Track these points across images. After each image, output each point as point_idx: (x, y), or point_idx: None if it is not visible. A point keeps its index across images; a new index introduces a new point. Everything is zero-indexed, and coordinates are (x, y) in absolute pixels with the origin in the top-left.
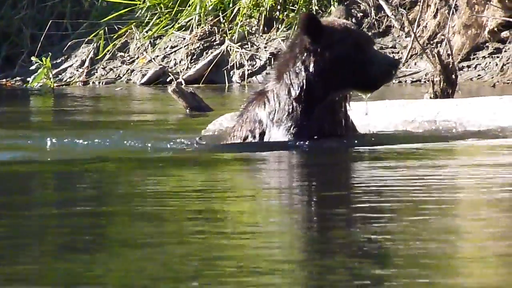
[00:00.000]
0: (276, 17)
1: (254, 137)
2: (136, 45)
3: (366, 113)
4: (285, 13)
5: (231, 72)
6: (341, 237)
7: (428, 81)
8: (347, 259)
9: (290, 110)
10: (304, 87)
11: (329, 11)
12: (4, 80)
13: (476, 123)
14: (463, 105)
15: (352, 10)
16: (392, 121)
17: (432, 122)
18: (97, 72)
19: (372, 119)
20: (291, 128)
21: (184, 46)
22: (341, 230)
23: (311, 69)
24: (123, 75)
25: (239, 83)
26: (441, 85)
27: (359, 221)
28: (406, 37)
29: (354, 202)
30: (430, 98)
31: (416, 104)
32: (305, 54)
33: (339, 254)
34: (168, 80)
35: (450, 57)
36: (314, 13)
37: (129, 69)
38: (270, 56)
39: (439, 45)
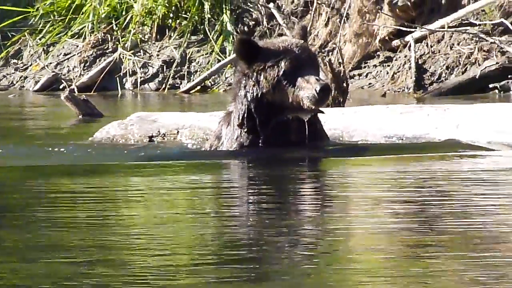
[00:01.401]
0: (169, 25)
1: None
2: (29, 52)
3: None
4: (178, 21)
5: (124, 80)
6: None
7: None
8: None
9: (236, 137)
10: (245, 114)
11: (221, 19)
12: None
13: (363, 132)
14: (349, 114)
15: (244, 19)
16: None
17: None
18: None
19: None
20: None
21: (77, 54)
22: None
23: (249, 95)
24: (17, 82)
25: (131, 90)
26: (332, 93)
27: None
28: None
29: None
30: None
31: None
32: (244, 78)
33: None
34: (61, 87)
35: (341, 65)
36: (206, 21)
37: (22, 76)
38: (163, 64)
39: (330, 53)
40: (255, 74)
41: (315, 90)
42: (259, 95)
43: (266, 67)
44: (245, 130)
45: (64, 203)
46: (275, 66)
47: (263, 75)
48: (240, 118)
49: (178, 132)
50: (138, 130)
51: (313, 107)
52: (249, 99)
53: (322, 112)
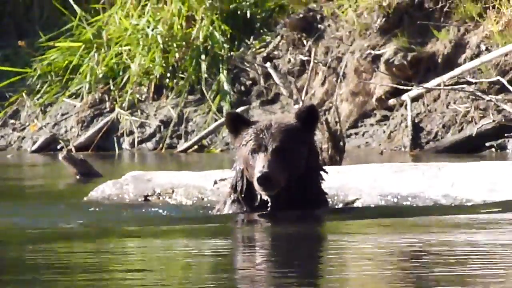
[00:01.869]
0: (166, 84)
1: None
2: (27, 112)
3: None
4: (175, 80)
5: (121, 139)
6: None
7: None
8: None
9: (233, 206)
10: (236, 187)
11: (218, 78)
12: None
13: (357, 190)
14: (344, 172)
15: (241, 78)
16: None
17: None
18: None
19: None
20: None
21: (75, 114)
22: None
23: (237, 167)
24: (14, 142)
25: (129, 150)
26: (329, 152)
27: None
28: (294, 104)
29: None
30: None
31: None
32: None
33: None
34: (59, 147)
35: (338, 124)
36: (203, 81)
37: (20, 136)
38: (160, 124)
39: (327, 112)
40: (237, 149)
41: (257, 178)
42: (240, 169)
43: (241, 144)
44: (232, 199)
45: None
46: (244, 146)
47: (239, 152)
48: (233, 190)
49: (173, 191)
50: (133, 189)
51: (261, 192)
52: (236, 170)
53: (326, 171)
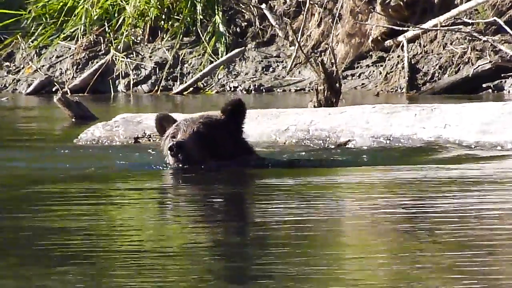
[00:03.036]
0: (161, 26)
1: None
2: (21, 55)
3: None
4: (170, 22)
5: (117, 82)
6: None
7: (312, 89)
8: None
9: None
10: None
11: (213, 20)
12: None
13: (349, 132)
14: (336, 114)
15: (236, 20)
16: (264, 130)
17: (305, 131)
18: None
19: (245, 128)
20: None
21: (70, 56)
22: None
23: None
24: (9, 84)
25: (124, 92)
26: (325, 93)
27: None
28: (290, 46)
29: None
30: (314, 106)
31: (289, 113)
32: None
33: None
34: (54, 89)
35: (334, 65)
36: (199, 22)
37: (14, 78)
38: (155, 66)
39: (323, 54)
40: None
41: (168, 147)
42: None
43: (165, 137)
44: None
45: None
46: (169, 135)
47: (163, 144)
48: None
49: None
50: (123, 131)
51: (174, 163)
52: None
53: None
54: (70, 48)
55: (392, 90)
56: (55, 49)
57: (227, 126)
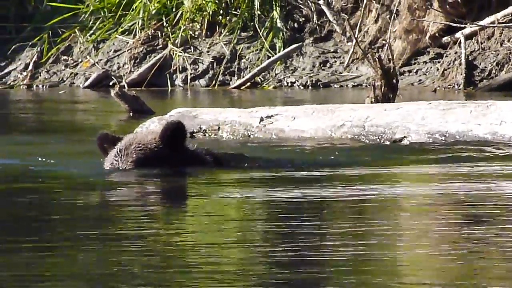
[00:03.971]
0: (219, 21)
1: None
2: (79, 48)
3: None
4: (228, 17)
5: (174, 76)
6: None
7: (369, 85)
8: None
9: None
10: None
11: (271, 16)
12: None
13: (405, 129)
14: (391, 110)
15: (294, 15)
16: (320, 126)
17: (360, 127)
18: (41, 75)
19: (300, 124)
20: None
21: (127, 50)
22: None
23: None
24: (67, 78)
25: (181, 86)
26: (382, 89)
27: None
28: (347, 42)
29: None
30: (371, 102)
31: (345, 109)
32: None
33: None
34: (111, 83)
35: (391, 62)
36: (256, 18)
37: (72, 72)
38: (213, 60)
39: (380, 50)
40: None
41: None
42: None
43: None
44: None
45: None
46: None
47: None
48: None
49: (219, 128)
50: None
51: None
52: None
53: None
54: (127, 42)
55: (449, 86)
56: (113, 43)
57: (162, 151)
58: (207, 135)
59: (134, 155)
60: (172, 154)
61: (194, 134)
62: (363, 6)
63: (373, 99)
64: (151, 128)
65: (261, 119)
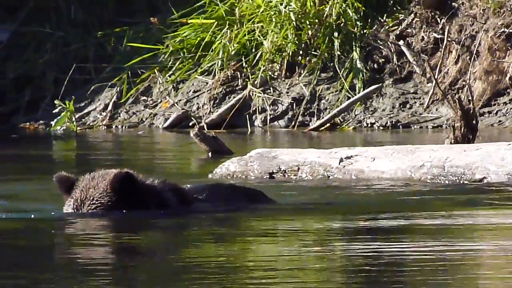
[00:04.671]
0: (299, 62)
1: None
2: (159, 89)
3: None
4: (307, 58)
5: (253, 117)
6: None
7: (449, 126)
8: None
9: None
10: None
11: (351, 56)
12: (27, 123)
13: (484, 169)
14: (471, 151)
15: (374, 56)
16: (400, 166)
17: (440, 168)
18: (120, 115)
19: (380, 165)
20: None
21: (207, 91)
22: None
23: None
24: (146, 119)
25: (261, 127)
26: (462, 130)
27: None
28: (427, 82)
29: None
30: (451, 143)
31: (425, 149)
32: None
33: None
34: (190, 124)
35: (471, 102)
36: (336, 58)
37: (152, 113)
38: (292, 101)
39: (460, 91)
40: None
41: None
42: None
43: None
44: None
45: None
46: None
47: None
48: None
49: (298, 169)
50: (258, 166)
51: None
52: None
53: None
54: (207, 83)
55: None
56: (192, 84)
57: (117, 204)
58: (286, 175)
59: (89, 210)
60: (126, 205)
61: (273, 175)
62: (443, 47)
63: (452, 140)
64: (97, 174)
65: (341, 160)
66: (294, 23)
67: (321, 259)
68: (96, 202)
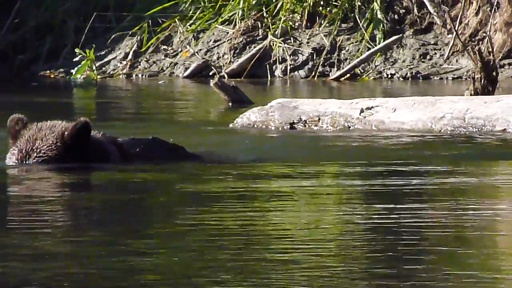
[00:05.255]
0: (319, 12)
1: None
2: (179, 38)
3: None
4: (328, 8)
5: (274, 67)
6: None
7: (468, 78)
8: None
9: None
10: None
11: (371, 7)
12: (48, 71)
13: (504, 121)
14: (492, 103)
15: (395, 7)
16: (420, 118)
17: (461, 120)
18: (140, 64)
19: (400, 116)
20: None
21: (227, 40)
22: None
23: None
24: (166, 68)
25: (281, 77)
26: (482, 82)
27: None
28: (448, 34)
29: None
30: (471, 95)
31: (445, 101)
32: None
33: None
34: (210, 73)
35: (491, 54)
36: (357, 9)
37: (172, 62)
38: (312, 51)
39: (480, 42)
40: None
41: None
42: None
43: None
44: None
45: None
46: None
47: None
48: None
49: (319, 119)
50: (279, 116)
51: None
52: None
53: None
54: (227, 33)
55: None
56: (213, 33)
57: (63, 153)
58: (307, 126)
59: (35, 162)
60: (73, 156)
61: (294, 125)
62: None
63: (472, 92)
64: (43, 124)
65: (362, 111)
66: None
67: (340, 221)
68: (43, 154)
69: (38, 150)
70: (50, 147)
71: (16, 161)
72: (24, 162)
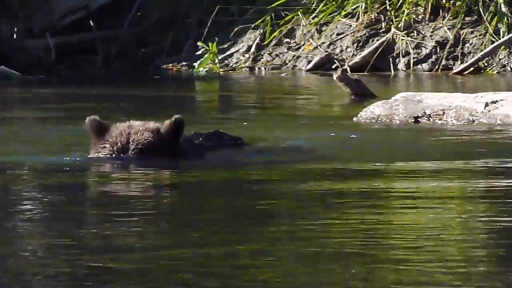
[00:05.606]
0: (443, 5)
1: None
2: (302, 31)
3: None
4: (452, 1)
5: (397, 60)
6: None
7: None
8: None
9: None
10: None
11: (495, 0)
12: (170, 65)
13: None
14: None
15: None
16: None
17: None
18: (263, 58)
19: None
20: None
21: (350, 33)
22: None
23: None
24: (289, 61)
25: (404, 71)
26: None
27: None
28: None
29: None
30: None
31: None
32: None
33: None
34: (333, 66)
35: None
36: (480, 2)
37: (295, 55)
38: (436, 45)
39: None
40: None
41: None
42: None
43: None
44: None
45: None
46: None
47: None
48: None
49: (443, 113)
50: (403, 110)
51: None
52: None
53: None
54: (350, 26)
55: None
56: (336, 26)
57: (164, 145)
58: (431, 119)
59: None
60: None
61: (418, 119)
62: None
63: None
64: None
65: (486, 104)
66: None
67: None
68: (142, 146)
69: (135, 143)
70: (147, 139)
71: (111, 153)
72: (120, 154)
